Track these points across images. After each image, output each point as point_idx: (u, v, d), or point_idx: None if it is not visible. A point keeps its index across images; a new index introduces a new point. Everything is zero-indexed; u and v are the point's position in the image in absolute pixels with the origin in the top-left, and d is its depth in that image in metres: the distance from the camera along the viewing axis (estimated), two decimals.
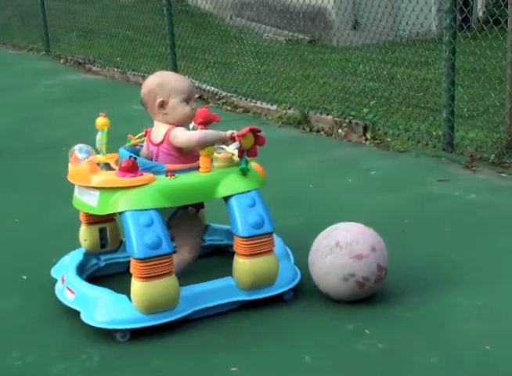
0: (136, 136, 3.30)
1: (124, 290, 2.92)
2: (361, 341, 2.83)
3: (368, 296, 3.10)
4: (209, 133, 3.01)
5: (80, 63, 9.46)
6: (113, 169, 3.01)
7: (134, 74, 8.41)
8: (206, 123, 3.14)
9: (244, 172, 3.02)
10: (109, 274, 3.37)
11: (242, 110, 6.95)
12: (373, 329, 2.91)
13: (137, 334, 2.87)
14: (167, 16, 7.76)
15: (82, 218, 3.34)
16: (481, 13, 12.13)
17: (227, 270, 3.08)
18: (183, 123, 3.13)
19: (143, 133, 3.26)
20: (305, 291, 3.18)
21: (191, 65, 8.33)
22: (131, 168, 2.89)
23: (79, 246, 3.41)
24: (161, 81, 3.12)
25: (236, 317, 3.02)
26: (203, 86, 7.55)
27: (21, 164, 5.41)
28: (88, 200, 2.96)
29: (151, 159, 3.12)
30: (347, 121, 5.90)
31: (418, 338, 2.84)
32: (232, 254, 3.08)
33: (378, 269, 3.04)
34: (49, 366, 2.74)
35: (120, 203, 2.85)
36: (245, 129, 3.01)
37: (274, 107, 6.63)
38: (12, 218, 4.26)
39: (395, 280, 3.23)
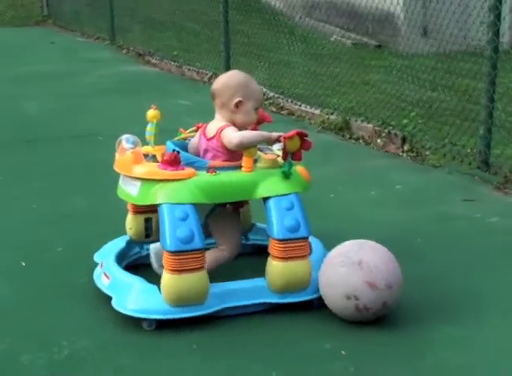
0: (187, 131, 3.33)
1: (160, 280, 2.95)
2: (334, 362, 2.76)
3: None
4: (249, 136, 3.02)
5: (140, 55, 9.56)
6: (158, 161, 3.05)
7: (189, 69, 8.44)
8: (257, 123, 3.21)
9: (286, 175, 3.02)
10: (149, 263, 3.31)
11: (286, 113, 6.90)
12: (351, 351, 2.83)
13: (162, 326, 2.91)
14: (223, 13, 7.73)
15: (129, 206, 3.40)
16: None
17: (264, 271, 3.08)
18: (244, 127, 3.14)
19: (194, 128, 3.30)
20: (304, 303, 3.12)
21: (245, 63, 8.30)
22: (173, 162, 2.93)
23: (76, 236, 3.53)
24: (246, 83, 3.14)
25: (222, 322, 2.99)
26: None
27: (50, 152, 5.51)
28: (129, 190, 3.02)
29: (199, 153, 3.15)
30: (386, 130, 5.77)
31: (394, 366, 2.74)
32: None
33: (383, 305, 2.93)
34: (18, 356, 2.77)
35: (158, 195, 2.90)
36: (292, 132, 3.01)
37: (318, 111, 6.54)
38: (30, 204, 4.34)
39: None
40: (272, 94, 7.27)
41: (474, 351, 2.83)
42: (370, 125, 5.95)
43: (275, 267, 3.00)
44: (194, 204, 2.91)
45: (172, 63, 8.77)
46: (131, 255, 3.41)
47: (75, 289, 3.27)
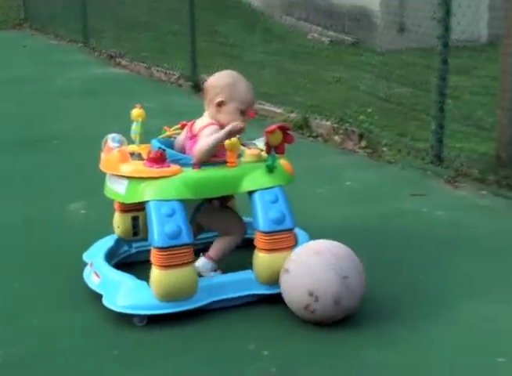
0: (172, 128, 3.37)
1: (149, 277, 2.98)
2: (255, 363, 2.73)
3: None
4: (206, 144, 3.04)
5: (111, 57, 9.52)
6: (144, 159, 3.09)
7: (157, 70, 8.41)
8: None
9: (270, 169, 3.06)
10: (139, 261, 3.40)
11: None
12: (275, 351, 2.80)
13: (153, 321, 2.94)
14: (189, 13, 7.68)
15: (116, 205, 3.43)
16: None
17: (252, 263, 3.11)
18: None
19: (179, 126, 3.36)
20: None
21: (216, 62, 8.24)
22: (159, 159, 2.98)
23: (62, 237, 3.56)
24: (232, 83, 3.17)
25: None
26: None
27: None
28: (117, 189, 3.07)
29: (185, 150, 3.20)
30: (343, 127, 5.74)
31: (321, 367, 2.70)
32: None
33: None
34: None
35: (145, 192, 2.95)
36: (274, 126, 3.06)
37: (280, 110, 6.51)
38: None
39: None
40: None
41: (413, 350, 2.79)
42: (328, 123, 5.92)
43: (262, 259, 3.05)
44: (181, 201, 2.96)
45: (141, 64, 8.73)
46: (120, 254, 3.46)
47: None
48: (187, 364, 2.72)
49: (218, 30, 12.05)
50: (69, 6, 11.37)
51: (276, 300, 3.04)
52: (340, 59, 9.75)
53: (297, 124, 6.16)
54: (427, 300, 3.16)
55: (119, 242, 3.47)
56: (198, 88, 7.78)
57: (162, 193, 2.94)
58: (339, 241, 3.05)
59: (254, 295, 3.10)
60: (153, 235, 2.91)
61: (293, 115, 6.31)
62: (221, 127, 3.13)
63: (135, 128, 3.23)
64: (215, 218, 3.31)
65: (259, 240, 3.06)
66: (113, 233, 3.50)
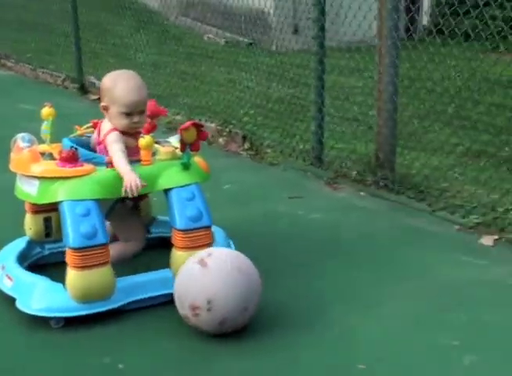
0: (83, 127, 3.31)
1: (64, 278, 2.91)
2: None
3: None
4: (120, 164, 2.93)
5: None
6: (55, 159, 3.02)
7: (43, 72, 8.16)
8: (153, 116, 3.21)
9: (186, 166, 3.04)
10: (53, 263, 3.35)
11: None
12: (131, 364, 2.67)
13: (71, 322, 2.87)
14: (72, 14, 7.48)
15: (27, 207, 3.35)
16: (425, 22, 11.96)
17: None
18: (125, 130, 3.09)
19: (90, 125, 3.30)
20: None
21: (108, 64, 8.04)
22: (71, 159, 2.92)
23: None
24: (111, 87, 3.08)
25: None
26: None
27: None
28: (28, 189, 2.99)
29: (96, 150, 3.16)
30: (227, 129, 5.66)
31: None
32: None
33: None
34: None
35: (58, 192, 2.88)
36: (187, 123, 3.04)
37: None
38: None
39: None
40: None
41: (282, 358, 2.71)
42: (213, 125, 5.83)
43: (180, 257, 3.00)
44: (96, 200, 2.90)
45: (27, 65, 8.46)
46: (32, 255, 3.38)
47: None
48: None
49: (112, 30, 11.85)
50: None
51: None
52: (235, 60, 9.69)
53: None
54: (297, 307, 3.08)
55: (31, 244, 3.39)
56: (84, 89, 7.59)
57: (76, 192, 2.88)
58: None
59: (171, 294, 3.01)
60: (68, 235, 2.84)
61: (178, 117, 6.19)
62: (120, 131, 3.06)
63: (45, 127, 3.19)
64: (120, 221, 3.26)
65: (176, 238, 3.02)
66: (24, 235, 3.42)
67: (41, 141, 3.23)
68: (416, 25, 10.94)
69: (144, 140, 3.00)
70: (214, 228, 3.31)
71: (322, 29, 4.75)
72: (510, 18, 6.10)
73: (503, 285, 3.29)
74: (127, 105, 3.05)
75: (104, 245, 2.90)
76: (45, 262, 3.40)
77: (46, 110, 3.22)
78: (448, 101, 6.44)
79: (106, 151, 3.08)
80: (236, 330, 2.81)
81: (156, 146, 3.20)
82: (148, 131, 3.30)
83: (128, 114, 3.06)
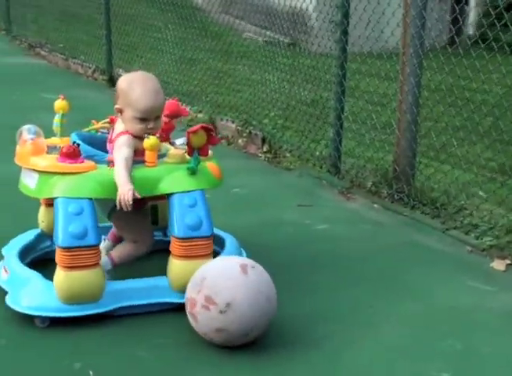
0: (100, 122, 3.25)
1: None
2: None
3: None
4: (119, 174, 2.79)
5: (31, 46, 9.18)
6: None
7: (74, 62, 8.11)
8: (173, 116, 3.14)
9: (193, 171, 2.90)
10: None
11: None
12: (102, 370, 2.56)
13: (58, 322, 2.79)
14: (104, 5, 7.40)
15: (42, 199, 3.27)
16: (471, 32, 11.69)
17: None
18: (137, 135, 2.93)
19: (107, 120, 3.22)
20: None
21: (141, 58, 7.95)
22: (72, 154, 2.83)
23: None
24: (126, 89, 2.92)
25: None
26: None
27: None
28: (28, 183, 2.91)
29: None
30: (247, 130, 5.52)
31: None
32: None
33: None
34: None
35: (55, 188, 2.80)
36: (197, 126, 2.92)
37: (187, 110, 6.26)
38: None
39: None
40: None
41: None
42: (234, 125, 5.70)
43: (176, 266, 2.90)
44: (92, 199, 2.80)
45: (59, 55, 8.42)
46: (40, 249, 3.31)
47: None
48: None
49: (152, 24, 11.79)
50: None
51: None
52: (271, 60, 9.53)
53: None
54: (284, 324, 2.91)
55: (40, 237, 3.32)
56: (112, 82, 7.52)
57: (72, 190, 2.78)
58: None
59: (165, 303, 2.93)
60: (57, 234, 2.75)
61: (200, 115, 6.07)
62: (132, 136, 2.92)
63: (56, 120, 3.15)
64: (125, 222, 3.09)
65: (174, 246, 2.90)
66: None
67: (53, 134, 3.17)
68: (462, 35, 10.70)
69: (149, 141, 2.86)
70: (225, 235, 3.25)
71: (344, 33, 4.57)
72: None
73: (509, 314, 3.10)
74: (142, 111, 2.89)
75: (94, 247, 2.79)
76: (53, 257, 3.25)
77: (59, 103, 3.17)
78: (487, 113, 6.19)
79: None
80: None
81: (169, 146, 3.10)
82: (165, 132, 3.18)
83: (143, 120, 2.90)
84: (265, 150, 5.33)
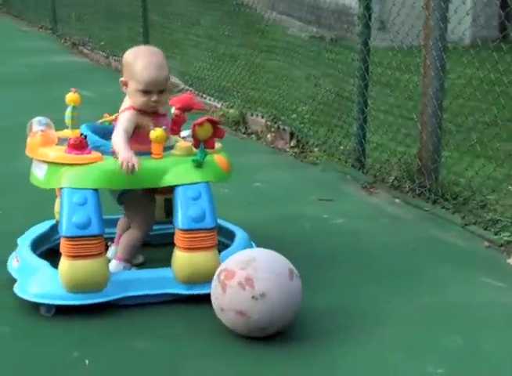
0: (114, 115, 3.24)
1: None
2: (70, 372, 2.54)
3: None
4: (117, 142, 2.87)
5: (75, 45, 9.33)
6: None
7: (115, 60, 8.21)
8: (184, 110, 3.15)
9: (198, 163, 2.92)
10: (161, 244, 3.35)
11: None
12: (98, 359, 2.60)
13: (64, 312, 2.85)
14: (141, 2, 7.47)
15: (57, 191, 3.29)
16: None
17: None
18: (141, 109, 2.98)
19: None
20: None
21: (183, 54, 7.99)
22: (78, 146, 2.87)
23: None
24: (130, 61, 2.98)
25: None
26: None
27: None
28: (37, 173, 2.97)
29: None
30: (276, 125, 5.53)
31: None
32: None
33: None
34: None
35: (62, 179, 2.86)
36: (202, 119, 2.92)
37: (219, 105, 6.30)
38: None
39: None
40: (182, 86, 7.04)
41: None
42: (263, 120, 5.71)
43: (180, 258, 2.92)
44: (97, 190, 2.86)
45: (101, 53, 8.54)
46: (54, 240, 3.32)
47: None
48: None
49: (198, 21, 11.83)
50: None
51: (193, 301, 2.91)
52: (314, 55, 9.48)
53: (234, 119, 5.96)
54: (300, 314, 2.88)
55: (55, 228, 3.33)
56: None
57: (76, 180, 2.84)
58: None
59: (170, 294, 2.96)
60: (62, 224, 2.83)
61: (231, 110, 6.09)
62: (137, 110, 2.96)
63: (68, 113, 3.22)
64: (131, 208, 3.16)
65: (178, 237, 2.92)
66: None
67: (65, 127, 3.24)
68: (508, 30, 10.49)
69: (155, 133, 2.88)
70: (236, 229, 3.26)
71: (366, 26, 4.54)
72: None
73: None
74: (145, 82, 2.92)
75: (97, 236, 2.84)
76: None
77: (70, 96, 3.23)
78: None
79: None
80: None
81: (179, 139, 3.12)
82: (176, 125, 3.22)
83: (146, 92, 2.94)
84: (292, 144, 5.31)
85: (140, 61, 2.95)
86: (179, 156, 2.98)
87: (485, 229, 3.86)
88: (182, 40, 9.73)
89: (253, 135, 5.68)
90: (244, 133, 5.75)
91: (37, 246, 3.20)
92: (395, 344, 2.76)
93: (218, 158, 3.05)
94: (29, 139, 3.12)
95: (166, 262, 3.01)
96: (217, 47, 9.55)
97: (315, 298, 3.03)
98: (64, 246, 2.84)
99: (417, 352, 2.71)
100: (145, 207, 3.14)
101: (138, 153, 2.89)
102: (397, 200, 4.31)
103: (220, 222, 3.33)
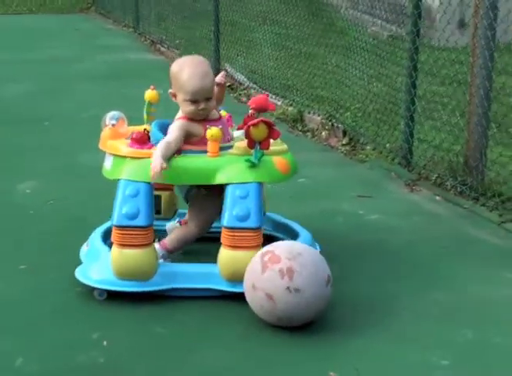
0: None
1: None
2: (88, 352, 2.70)
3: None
4: (162, 150, 2.95)
5: (153, 43, 9.59)
6: None
7: None
8: (258, 110, 3.15)
9: (253, 164, 2.97)
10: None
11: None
12: (114, 340, 2.78)
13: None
14: (213, 2, 7.64)
15: None
16: None
17: None
18: (195, 118, 3.10)
19: None
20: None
21: (260, 53, 8.10)
22: (140, 140, 3.03)
23: None
24: (176, 73, 3.10)
25: None
26: (237, 76, 7.43)
27: None
28: (106, 164, 3.15)
29: None
30: (330, 123, 5.60)
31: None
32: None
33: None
34: None
35: (123, 171, 3.01)
36: (257, 120, 2.96)
37: (279, 103, 6.40)
38: None
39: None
40: (247, 84, 7.17)
41: None
42: (319, 117, 5.79)
43: (224, 255, 3.00)
44: (151, 183, 2.99)
45: (176, 51, 8.77)
46: None
47: None
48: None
49: (279, 20, 11.92)
50: None
51: (236, 298, 2.98)
52: (392, 54, 9.43)
53: (292, 117, 6.05)
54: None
55: None
56: None
57: (132, 173, 2.98)
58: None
59: (215, 290, 3.04)
60: (114, 213, 2.98)
61: (290, 108, 6.19)
62: (187, 119, 3.09)
63: (146, 109, 3.37)
64: (193, 202, 3.26)
65: (223, 235, 2.99)
66: None
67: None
68: None
69: (210, 132, 2.97)
70: (301, 230, 3.35)
71: (415, 24, 4.56)
72: None
73: None
74: (191, 92, 3.04)
75: (145, 228, 2.97)
76: None
77: (149, 93, 3.36)
78: None
79: None
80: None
81: (237, 135, 3.19)
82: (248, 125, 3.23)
83: (194, 101, 3.06)
84: (344, 142, 5.37)
85: (185, 72, 3.06)
86: (235, 155, 3.03)
87: None
88: (258, 39, 9.81)
89: (308, 133, 5.75)
90: (301, 131, 5.83)
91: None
92: (403, 333, 2.84)
93: (277, 159, 3.07)
94: (102, 133, 3.26)
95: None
96: (295, 46, 9.63)
97: (337, 292, 3.08)
98: (114, 234, 3.00)
99: (424, 345, 2.76)
100: (208, 207, 3.21)
101: (196, 152, 3.02)
102: (438, 198, 4.33)
103: (285, 220, 3.51)
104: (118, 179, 3.03)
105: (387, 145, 4.97)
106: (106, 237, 3.27)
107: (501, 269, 3.41)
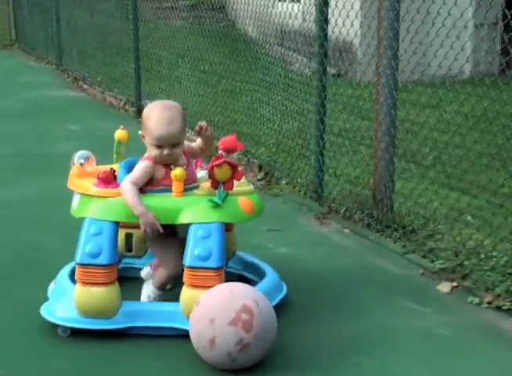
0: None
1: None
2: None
3: None
4: (126, 197, 3.02)
5: (76, 80, 9.62)
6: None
7: (109, 95, 8.48)
8: (228, 151, 3.24)
9: (216, 204, 3.00)
10: (125, 277, 3.42)
11: None
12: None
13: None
14: (133, 40, 7.74)
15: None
16: None
17: None
18: (161, 162, 3.10)
19: None
20: None
21: (179, 89, 8.21)
22: (106, 180, 3.09)
23: None
24: (144, 117, 3.13)
25: None
26: None
27: None
28: (73, 202, 3.21)
29: None
30: (246, 158, 5.70)
31: None
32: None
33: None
34: None
35: (88, 209, 3.07)
36: (220, 160, 2.99)
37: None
38: None
39: None
40: None
41: None
42: (235, 154, 5.87)
43: (185, 294, 3.02)
44: (116, 222, 3.04)
45: (97, 88, 8.81)
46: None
47: None
48: None
49: (204, 57, 12.07)
50: (47, 29, 11.49)
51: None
52: (312, 90, 9.63)
53: (211, 153, 6.12)
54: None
55: None
56: (141, 113, 7.81)
57: (96, 212, 3.04)
58: None
59: (178, 329, 3.04)
60: (77, 251, 3.03)
61: None
62: (153, 161, 3.10)
63: (115, 148, 3.45)
64: (154, 244, 3.25)
65: (185, 274, 3.03)
66: None
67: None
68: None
69: (174, 172, 3.01)
70: (268, 270, 3.43)
71: (321, 63, 4.73)
72: None
73: (428, 334, 3.17)
74: (157, 138, 3.05)
75: (107, 266, 3.00)
76: (118, 275, 3.33)
77: (118, 133, 3.44)
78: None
79: None
80: None
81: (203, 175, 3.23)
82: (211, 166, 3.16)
83: (159, 146, 3.06)
84: (259, 177, 5.48)
85: (153, 117, 3.07)
86: (200, 195, 3.07)
87: (423, 258, 3.98)
88: (185, 76, 9.92)
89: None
90: None
91: None
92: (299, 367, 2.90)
93: (242, 200, 3.12)
94: (70, 171, 3.32)
95: None
96: (217, 83, 9.77)
97: None
98: (78, 272, 3.04)
99: (318, 374, 2.83)
100: (166, 246, 3.20)
101: (162, 191, 3.07)
102: (346, 230, 4.45)
103: (254, 259, 3.59)
104: (84, 218, 3.07)
105: (299, 179, 5.08)
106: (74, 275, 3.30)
107: (401, 298, 3.53)
